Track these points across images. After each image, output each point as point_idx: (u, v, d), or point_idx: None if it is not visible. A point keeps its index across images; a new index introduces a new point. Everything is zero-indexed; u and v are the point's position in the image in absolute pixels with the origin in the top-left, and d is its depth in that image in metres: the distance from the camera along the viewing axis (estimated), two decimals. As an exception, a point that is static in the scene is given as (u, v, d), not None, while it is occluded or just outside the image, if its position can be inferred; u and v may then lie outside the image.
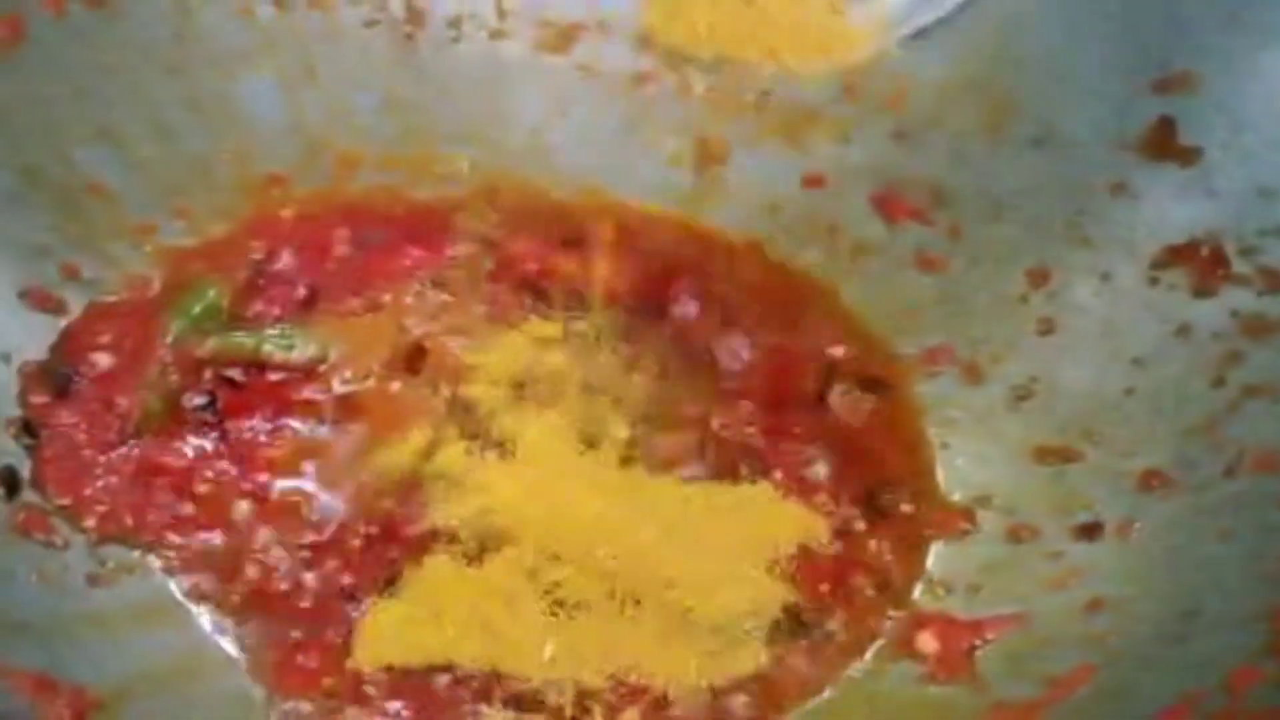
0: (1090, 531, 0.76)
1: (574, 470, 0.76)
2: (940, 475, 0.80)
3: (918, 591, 0.76)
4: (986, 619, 0.74)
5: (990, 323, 0.83)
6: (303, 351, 0.79)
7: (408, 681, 0.71)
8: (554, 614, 0.72)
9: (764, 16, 0.87)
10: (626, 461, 0.77)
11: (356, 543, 0.74)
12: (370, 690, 0.71)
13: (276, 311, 0.81)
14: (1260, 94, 0.79)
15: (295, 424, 0.77)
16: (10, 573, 0.71)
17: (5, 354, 0.77)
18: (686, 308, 0.83)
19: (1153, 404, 0.78)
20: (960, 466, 0.80)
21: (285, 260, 0.83)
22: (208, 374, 0.78)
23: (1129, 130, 0.81)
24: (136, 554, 0.73)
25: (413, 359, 0.79)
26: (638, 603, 0.72)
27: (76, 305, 0.80)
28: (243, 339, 0.79)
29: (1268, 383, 0.75)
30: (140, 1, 0.84)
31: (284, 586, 0.73)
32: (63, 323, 0.79)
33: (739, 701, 0.72)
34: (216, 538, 0.74)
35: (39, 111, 0.81)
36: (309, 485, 0.76)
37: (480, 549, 0.73)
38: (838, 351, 0.83)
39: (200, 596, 0.73)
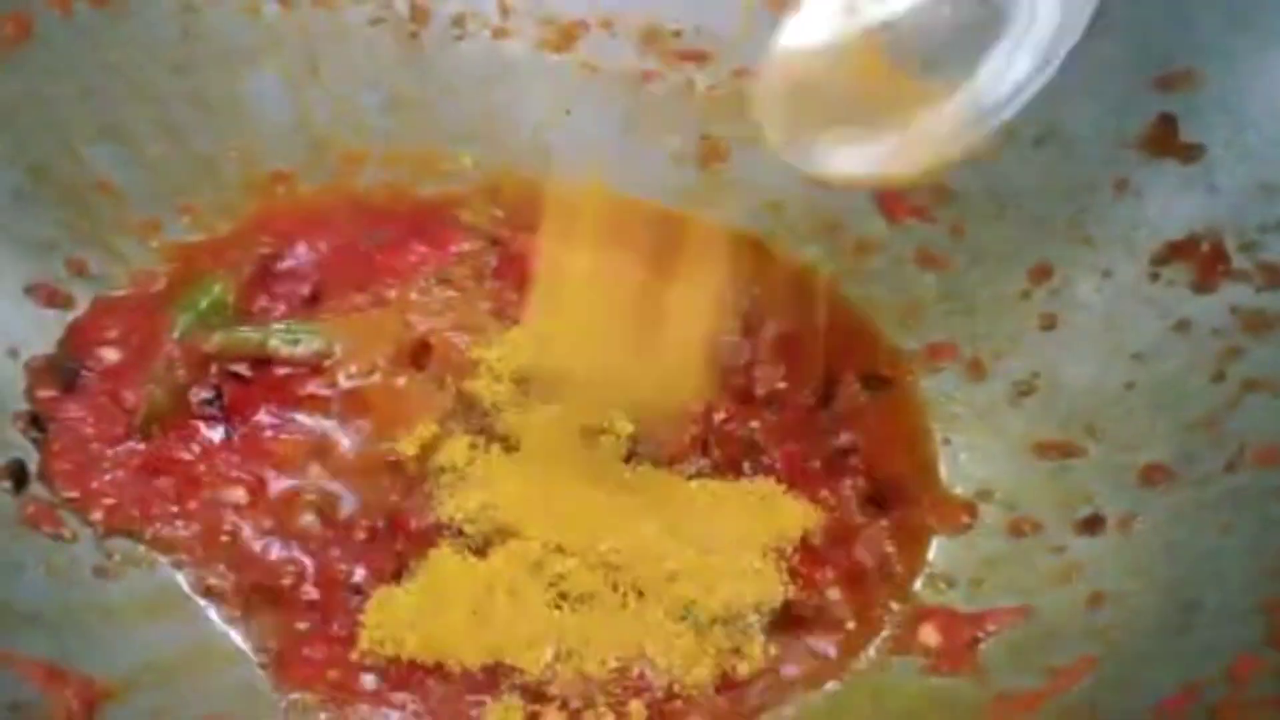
0: (1092, 526, 0.76)
1: (578, 464, 0.76)
2: (943, 470, 0.80)
3: (920, 585, 0.76)
4: (989, 612, 0.74)
5: (992, 319, 0.83)
6: (308, 347, 0.79)
7: (413, 673, 0.71)
8: (558, 607, 0.72)
9: None
10: (630, 456, 0.78)
11: (362, 536, 0.74)
12: (375, 682, 0.71)
13: (282, 307, 0.82)
14: (1262, 91, 0.79)
15: (301, 419, 0.78)
16: (19, 565, 0.71)
17: (13, 349, 0.77)
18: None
19: (1153, 399, 0.78)
20: (963, 461, 0.80)
21: (291, 256, 0.83)
22: (214, 369, 0.78)
23: (1130, 128, 0.81)
24: (143, 547, 0.74)
25: (418, 354, 0.79)
26: (641, 595, 0.72)
27: (84, 300, 0.80)
28: (249, 334, 0.79)
29: (1268, 378, 0.75)
30: (146, 0, 0.85)
31: (290, 579, 0.73)
32: (70, 318, 0.79)
33: (742, 694, 0.72)
34: (222, 531, 0.74)
35: (46, 109, 0.82)
36: (314, 479, 0.76)
37: (485, 542, 0.74)
38: (841, 348, 0.83)
39: (207, 589, 0.73)
